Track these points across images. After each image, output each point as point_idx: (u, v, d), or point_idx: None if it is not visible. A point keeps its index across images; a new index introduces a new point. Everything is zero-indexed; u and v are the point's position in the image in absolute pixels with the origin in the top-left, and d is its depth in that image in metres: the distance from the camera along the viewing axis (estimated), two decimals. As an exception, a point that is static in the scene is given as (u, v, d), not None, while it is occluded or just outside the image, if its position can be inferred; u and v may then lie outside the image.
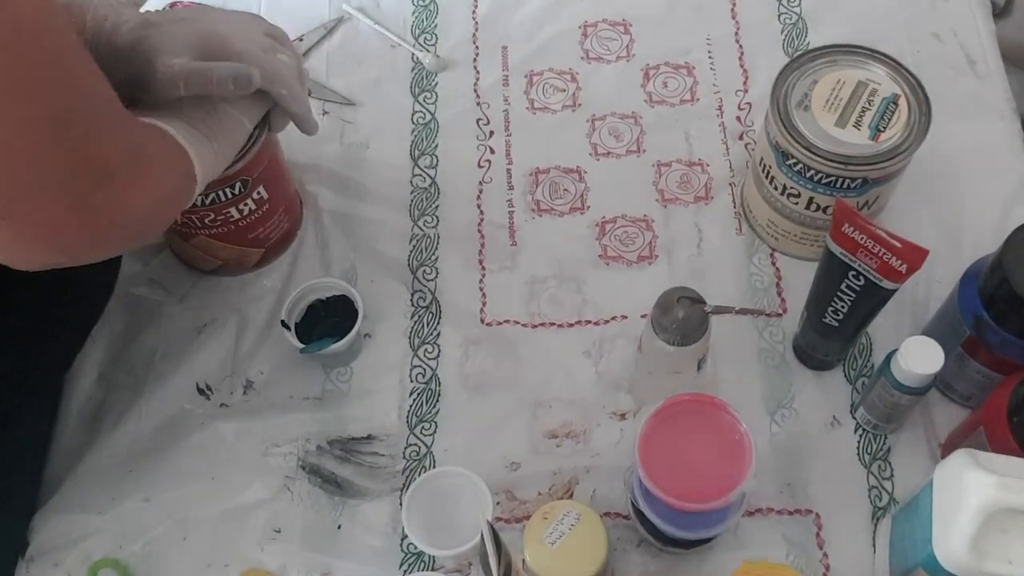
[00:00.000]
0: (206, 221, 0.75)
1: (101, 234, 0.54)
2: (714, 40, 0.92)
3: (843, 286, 0.66)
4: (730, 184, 0.85)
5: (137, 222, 0.56)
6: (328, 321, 0.77)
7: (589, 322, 0.79)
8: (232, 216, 0.75)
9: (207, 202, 0.72)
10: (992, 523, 0.55)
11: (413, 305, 0.80)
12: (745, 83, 0.89)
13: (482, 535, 0.57)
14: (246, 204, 0.75)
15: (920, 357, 0.64)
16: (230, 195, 0.73)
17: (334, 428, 0.75)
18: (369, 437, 0.75)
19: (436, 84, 0.91)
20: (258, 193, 0.75)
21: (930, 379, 0.65)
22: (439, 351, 0.78)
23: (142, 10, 0.93)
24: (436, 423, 0.75)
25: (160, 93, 0.63)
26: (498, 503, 0.72)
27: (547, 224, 0.84)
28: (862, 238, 0.63)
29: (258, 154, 0.72)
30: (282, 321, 0.76)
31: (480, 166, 0.87)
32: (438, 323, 0.79)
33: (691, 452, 0.61)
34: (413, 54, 0.92)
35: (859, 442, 0.73)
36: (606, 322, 0.79)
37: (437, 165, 0.87)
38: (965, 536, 0.55)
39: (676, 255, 0.81)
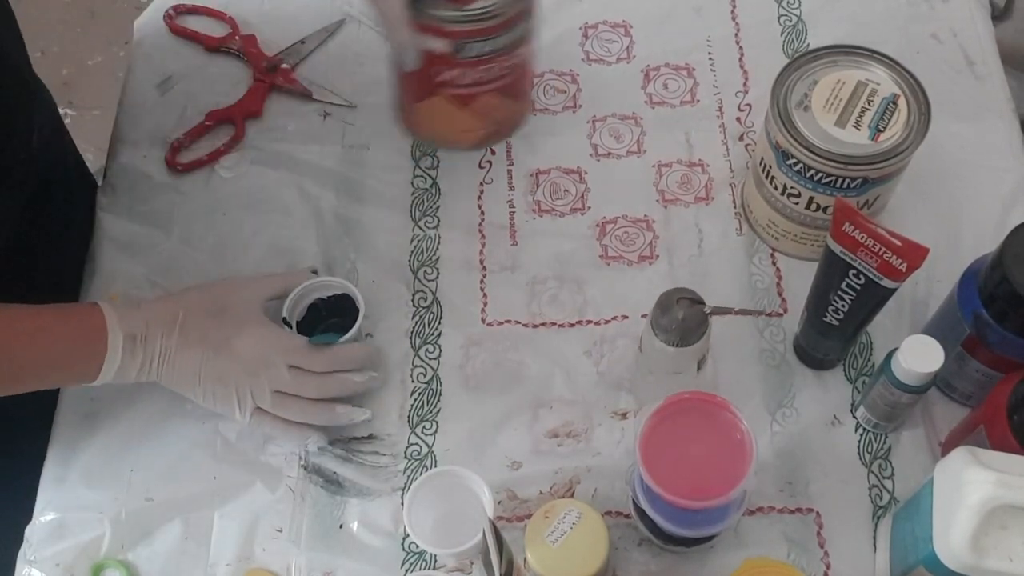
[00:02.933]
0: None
1: None
2: (714, 41, 0.92)
3: (843, 285, 0.66)
4: (730, 184, 0.85)
5: None
6: (329, 320, 0.77)
7: (590, 322, 0.79)
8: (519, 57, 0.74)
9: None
10: (992, 520, 0.55)
11: (414, 305, 0.80)
12: (745, 84, 0.90)
13: (484, 534, 0.57)
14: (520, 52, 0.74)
15: (920, 356, 0.64)
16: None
17: (335, 428, 0.75)
18: (370, 437, 0.75)
19: (437, 85, 0.91)
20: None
21: (930, 378, 0.65)
22: (440, 351, 0.78)
23: (138, 29, 0.95)
24: (437, 423, 0.76)
25: None
26: (499, 502, 0.72)
27: (548, 224, 0.84)
28: (862, 237, 0.63)
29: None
30: (283, 319, 0.76)
31: (481, 167, 0.87)
32: (439, 323, 0.79)
33: (692, 450, 0.61)
34: (414, 56, 0.93)
35: (860, 441, 0.73)
36: (607, 322, 0.79)
37: (438, 166, 0.87)
38: (966, 533, 0.55)
39: (677, 255, 0.81)
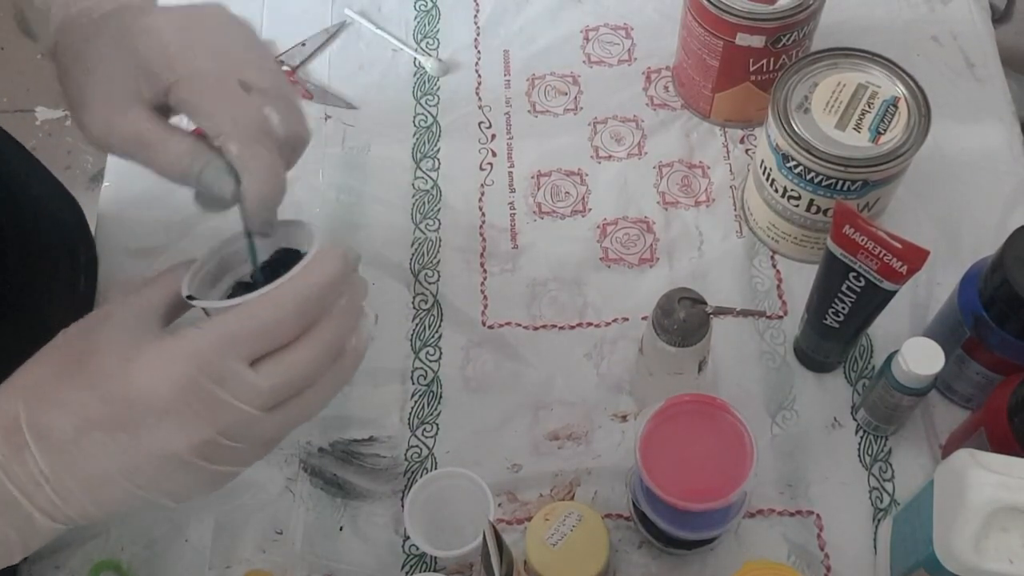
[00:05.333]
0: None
1: None
2: (715, 44, 0.92)
3: (844, 287, 0.66)
4: (731, 187, 0.85)
5: None
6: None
7: (590, 324, 0.79)
8: None
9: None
10: (993, 522, 0.55)
11: (415, 308, 0.80)
12: (746, 87, 0.90)
13: (484, 536, 0.57)
14: None
15: (920, 358, 0.64)
16: None
17: (336, 430, 0.75)
18: (371, 439, 0.75)
19: (438, 88, 0.91)
20: None
21: (930, 380, 0.65)
22: (440, 353, 0.78)
23: None
24: (438, 425, 0.76)
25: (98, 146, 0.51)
26: (499, 504, 0.72)
27: (548, 226, 0.84)
28: (863, 239, 0.63)
29: None
30: (188, 297, 0.49)
31: (482, 169, 0.87)
32: (439, 325, 0.79)
33: (692, 452, 0.61)
34: (415, 58, 0.93)
35: (860, 443, 0.73)
36: (607, 324, 0.79)
37: (439, 168, 0.87)
38: (966, 535, 0.55)
39: (677, 257, 0.82)
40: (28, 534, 0.45)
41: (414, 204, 0.85)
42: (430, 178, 0.87)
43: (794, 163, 0.72)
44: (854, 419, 0.74)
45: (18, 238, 0.73)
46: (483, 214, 0.85)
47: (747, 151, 0.86)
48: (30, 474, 0.44)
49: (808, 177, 0.72)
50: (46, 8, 0.53)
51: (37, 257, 0.76)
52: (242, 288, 0.51)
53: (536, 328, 0.79)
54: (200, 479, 0.45)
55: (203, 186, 0.49)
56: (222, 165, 0.49)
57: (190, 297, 0.48)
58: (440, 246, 0.83)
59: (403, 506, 0.69)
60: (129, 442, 0.43)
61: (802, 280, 0.78)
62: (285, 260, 0.51)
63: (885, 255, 0.62)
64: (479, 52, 0.93)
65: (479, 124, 0.89)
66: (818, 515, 0.71)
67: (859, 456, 0.73)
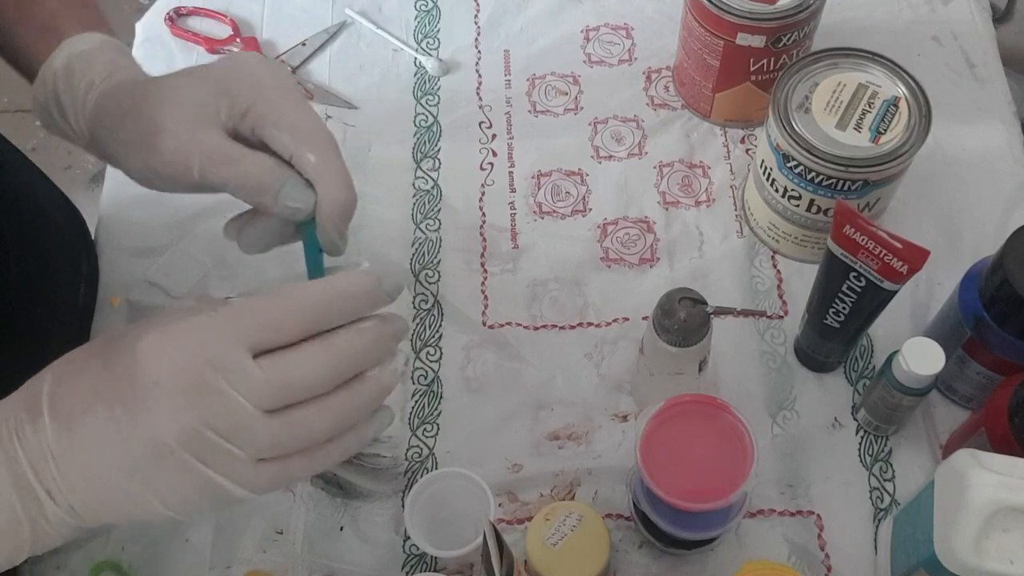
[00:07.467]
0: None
1: None
2: (715, 44, 0.92)
3: (844, 287, 0.66)
4: (731, 187, 0.85)
5: None
6: None
7: (591, 324, 0.79)
8: None
9: None
10: (994, 523, 0.55)
11: (415, 308, 0.80)
12: (746, 87, 0.90)
13: (484, 536, 0.57)
14: None
15: (921, 358, 0.64)
16: None
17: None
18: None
19: (439, 88, 0.91)
20: None
21: (931, 380, 0.65)
22: (441, 353, 0.78)
23: (139, 31, 0.94)
24: (438, 425, 0.76)
25: (165, 172, 0.55)
26: (500, 504, 0.72)
27: (549, 227, 0.84)
28: (863, 239, 0.63)
29: None
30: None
31: (482, 169, 0.87)
32: (440, 325, 0.79)
33: (693, 452, 0.61)
34: (416, 58, 0.93)
35: (860, 443, 0.73)
36: (608, 324, 0.79)
37: (439, 168, 0.87)
38: (967, 536, 0.55)
39: (677, 258, 0.82)
40: (36, 515, 0.44)
41: (414, 204, 0.85)
42: (430, 178, 0.87)
43: (795, 163, 0.72)
44: (854, 419, 0.74)
45: (20, 247, 0.73)
46: (483, 214, 0.84)
47: (747, 151, 0.86)
48: (40, 447, 0.44)
49: (809, 177, 0.72)
50: (88, 79, 0.58)
51: (39, 266, 0.76)
52: None
53: (536, 328, 0.79)
54: (191, 482, 0.43)
55: (282, 201, 0.53)
56: (301, 179, 0.54)
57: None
58: (440, 246, 0.83)
59: (403, 506, 0.69)
60: (125, 421, 0.42)
61: (802, 280, 0.78)
62: None
63: (885, 255, 0.62)
64: (479, 52, 0.93)
65: (479, 124, 0.89)
66: (818, 515, 0.71)
67: (859, 456, 0.73)
